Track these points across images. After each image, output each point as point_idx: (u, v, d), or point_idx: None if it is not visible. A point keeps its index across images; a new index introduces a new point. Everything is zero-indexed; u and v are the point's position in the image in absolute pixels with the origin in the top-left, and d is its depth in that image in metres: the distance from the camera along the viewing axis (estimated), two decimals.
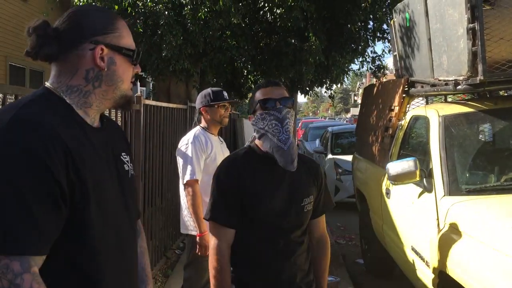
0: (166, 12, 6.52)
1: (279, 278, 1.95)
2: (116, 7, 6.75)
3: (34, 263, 1.06)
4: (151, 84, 14.09)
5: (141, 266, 1.56)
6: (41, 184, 1.08)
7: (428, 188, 3.40)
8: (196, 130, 3.38)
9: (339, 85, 10.99)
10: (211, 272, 1.95)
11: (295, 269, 1.99)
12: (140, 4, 6.94)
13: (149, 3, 6.80)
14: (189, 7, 6.38)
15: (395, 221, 4.10)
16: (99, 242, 1.23)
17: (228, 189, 1.95)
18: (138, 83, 19.83)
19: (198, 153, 3.21)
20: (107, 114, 3.07)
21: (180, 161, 3.28)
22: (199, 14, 6.28)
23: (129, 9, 6.88)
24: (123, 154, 1.46)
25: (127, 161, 1.46)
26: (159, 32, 6.59)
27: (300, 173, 1.99)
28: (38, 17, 1.35)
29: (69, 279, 1.18)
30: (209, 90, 3.40)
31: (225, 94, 3.38)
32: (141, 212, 1.76)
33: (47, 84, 1.29)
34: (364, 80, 56.29)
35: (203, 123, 3.42)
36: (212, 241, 1.97)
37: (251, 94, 2.06)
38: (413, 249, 3.55)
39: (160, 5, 6.60)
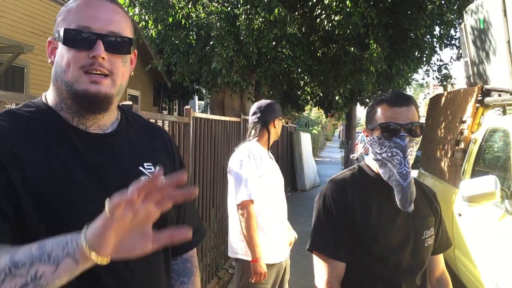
0: (218, 24, 6.34)
1: None
2: (171, 19, 6.71)
3: None
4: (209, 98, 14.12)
5: None
6: None
7: (511, 211, 3.09)
8: (250, 144, 3.07)
9: None
10: None
11: None
12: (194, 16, 6.83)
13: (202, 14, 6.68)
14: (243, 17, 6.16)
15: (470, 248, 3.79)
16: None
17: (337, 217, 1.68)
18: (196, 97, 20.03)
19: (255, 171, 2.91)
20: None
21: (232, 180, 2.98)
22: (253, 25, 6.04)
23: (183, 21, 6.81)
24: (145, 164, 1.21)
25: (152, 172, 1.20)
26: (211, 43, 6.42)
27: (417, 202, 1.69)
28: None
29: None
30: (273, 101, 3.21)
31: None
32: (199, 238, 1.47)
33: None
34: (428, 91, 54.34)
35: (258, 138, 3.12)
36: (321, 277, 1.70)
37: (370, 102, 1.72)
38: (494, 283, 3.14)
39: (213, 16, 6.45)
